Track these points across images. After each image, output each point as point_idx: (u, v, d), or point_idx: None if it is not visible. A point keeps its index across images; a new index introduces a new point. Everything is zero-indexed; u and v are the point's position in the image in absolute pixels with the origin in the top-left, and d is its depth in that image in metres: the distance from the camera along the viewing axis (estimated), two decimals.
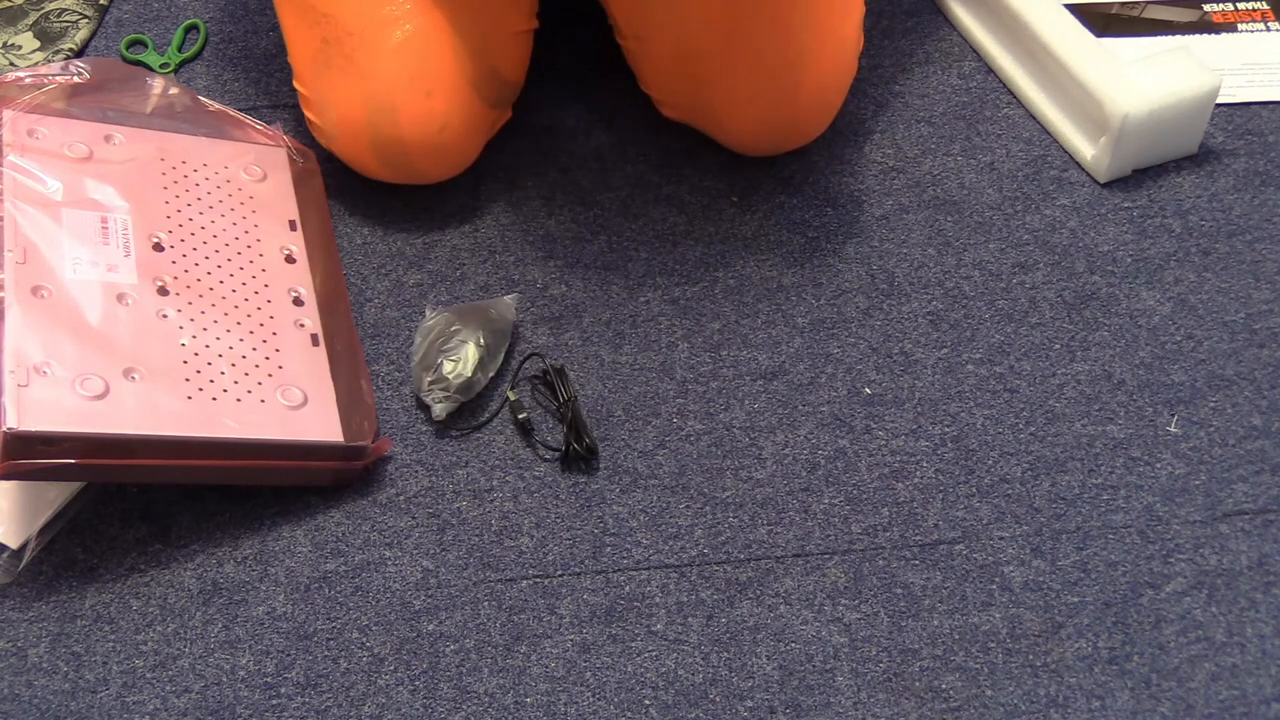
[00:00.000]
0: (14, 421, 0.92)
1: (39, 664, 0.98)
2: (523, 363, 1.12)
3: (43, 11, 1.37)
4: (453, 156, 1.21)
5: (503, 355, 1.12)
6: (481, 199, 1.25)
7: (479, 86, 1.18)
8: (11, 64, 1.32)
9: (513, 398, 1.09)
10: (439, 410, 1.08)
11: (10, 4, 1.37)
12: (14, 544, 1.02)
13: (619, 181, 1.26)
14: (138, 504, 1.05)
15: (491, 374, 1.11)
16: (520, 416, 1.08)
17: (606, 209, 1.24)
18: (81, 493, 1.05)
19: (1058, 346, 1.14)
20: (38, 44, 1.34)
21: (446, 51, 1.15)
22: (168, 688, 0.96)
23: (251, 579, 1.02)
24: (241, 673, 0.97)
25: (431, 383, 1.08)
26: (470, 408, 1.10)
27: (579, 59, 1.35)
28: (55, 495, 1.04)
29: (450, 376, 1.08)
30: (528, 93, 1.27)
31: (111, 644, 0.99)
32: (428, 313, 1.13)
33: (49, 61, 1.32)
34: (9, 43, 1.34)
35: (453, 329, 1.10)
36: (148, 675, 0.97)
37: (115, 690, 0.96)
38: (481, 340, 1.10)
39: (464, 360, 1.09)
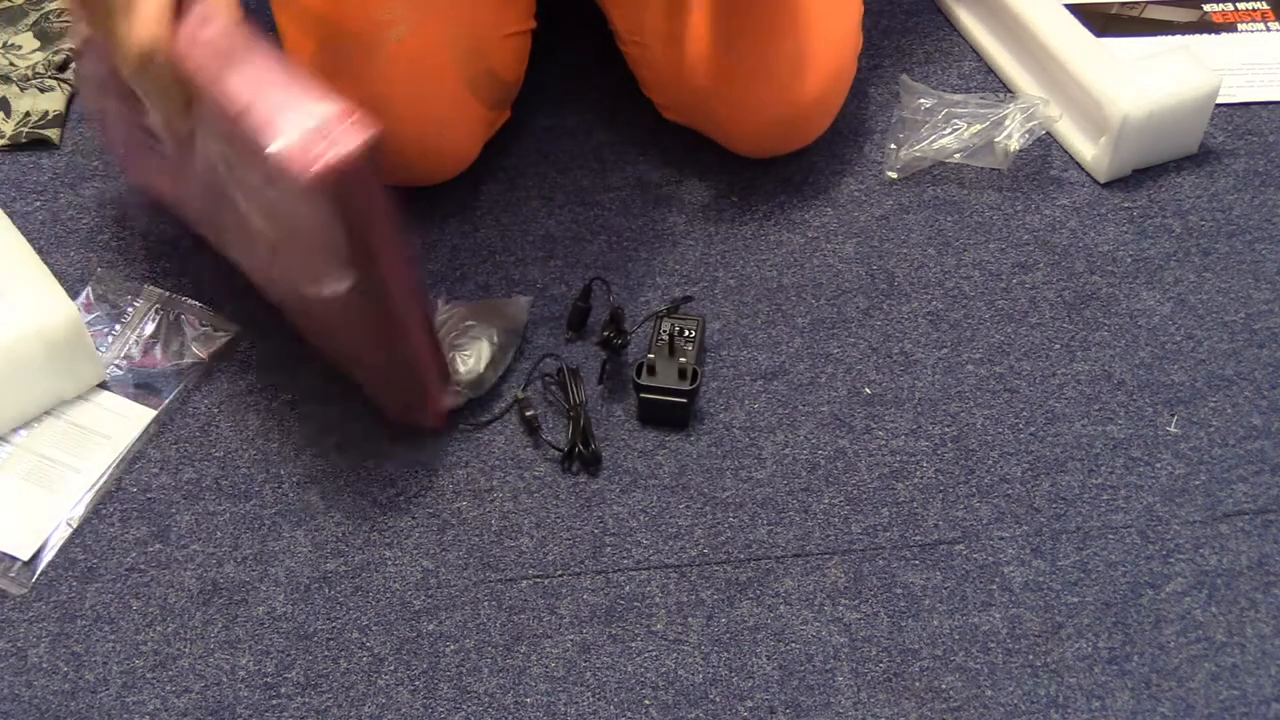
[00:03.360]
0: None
1: (39, 664, 0.98)
2: (538, 363, 1.12)
3: (43, 11, 1.37)
4: (451, 158, 1.21)
5: (511, 356, 1.12)
6: (481, 199, 1.25)
7: (476, 88, 1.18)
8: (11, 64, 1.32)
9: (521, 396, 1.09)
10: (447, 403, 1.08)
11: (10, 4, 1.37)
12: (25, 555, 1.02)
13: (619, 181, 1.26)
14: (138, 504, 1.06)
15: (501, 372, 1.11)
16: (528, 414, 1.08)
17: (606, 209, 1.24)
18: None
19: (1058, 346, 1.14)
20: (38, 44, 1.34)
21: (442, 53, 1.15)
22: (168, 688, 0.96)
23: (251, 579, 1.02)
24: (241, 673, 0.97)
25: None
26: (475, 403, 1.10)
27: (579, 59, 1.35)
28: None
29: (463, 371, 1.08)
30: (528, 93, 1.27)
31: (111, 644, 0.99)
32: (440, 305, 1.13)
33: (49, 61, 1.32)
34: (9, 43, 1.34)
35: (466, 324, 1.10)
36: (148, 675, 0.97)
37: (115, 690, 0.96)
38: (495, 338, 1.10)
39: (478, 356, 1.09)
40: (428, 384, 1.05)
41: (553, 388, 1.11)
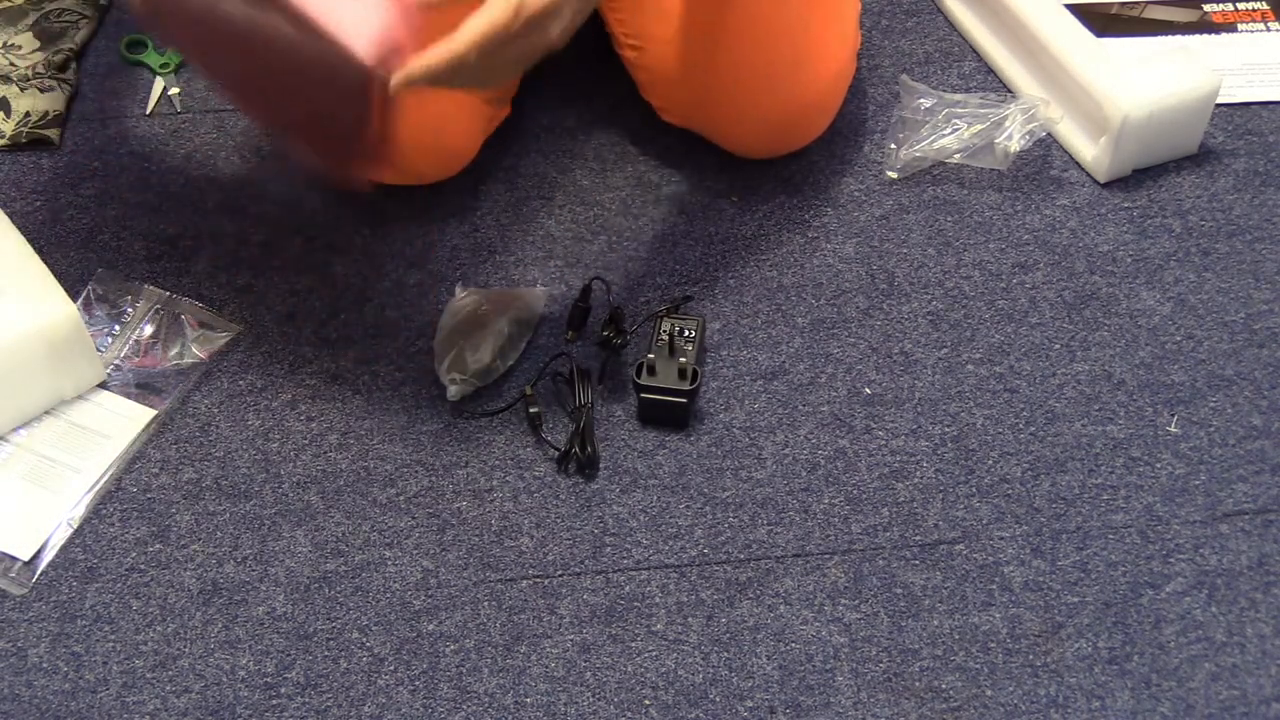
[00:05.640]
0: None
1: (39, 664, 0.98)
2: (550, 361, 1.12)
3: (43, 11, 1.37)
4: (451, 155, 1.21)
5: (524, 345, 1.12)
6: (481, 199, 1.25)
7: None
8: (11, 64, 1.32)
9: (529, 392, 1.09)
10: (454, 392, 1.08)
11: (10, 4, 1.37)
12: (25, 555, 1.02)
13: (619, 181, 1.26)
14: (138, 504, 1.06)
15: (510, 363, 1.11)
16: (532, 410, 1.08)
17: (606, 209, 1.24)
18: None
19: (1058, 346, 1.14)
20: (38, 44, 1.34)
21: None
22: (168, 688, 0.96)
23: (251, 579, 1.02)
24: (241, 673, 0.97)
25: (450, 365, 1.08)
26: (481, 393, 1.10)
27: (579, 59, 1.35)
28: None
29: (469, 360, 1.08)
30: (528, 92, 1.27)
31: (111, 644, 0.99)
32: (458, 291, 1.14)
33: (49, 61, 1.32)
34: (9, 43, 1.34)
35: (480, 312, 1.11)
36: (148, 675, 0.97)
37: (115, 690, 0.96)
38: (505, 329, 1.11)
39: (484, 346, 1.09)
40: (373, 125, 1.00)
41: (563, 386, 1.11)
